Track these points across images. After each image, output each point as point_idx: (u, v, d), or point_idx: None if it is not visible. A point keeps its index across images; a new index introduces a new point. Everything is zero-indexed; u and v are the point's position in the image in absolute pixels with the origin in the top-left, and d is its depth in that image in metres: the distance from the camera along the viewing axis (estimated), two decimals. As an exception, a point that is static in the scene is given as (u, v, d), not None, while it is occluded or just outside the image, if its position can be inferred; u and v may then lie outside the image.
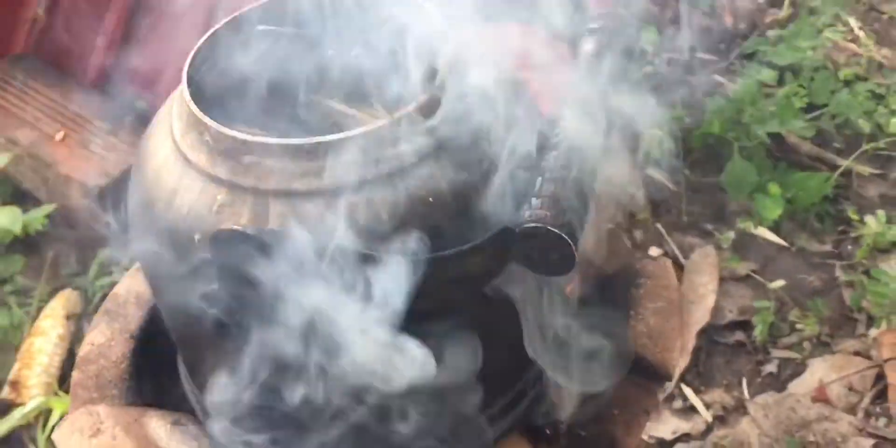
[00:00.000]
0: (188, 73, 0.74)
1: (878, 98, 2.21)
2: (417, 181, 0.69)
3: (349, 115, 0.77)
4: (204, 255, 0.69)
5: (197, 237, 0.70)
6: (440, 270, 0.66)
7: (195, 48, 0.77)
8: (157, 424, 0.86)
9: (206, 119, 0.70)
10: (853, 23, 2.52)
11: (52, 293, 1.74)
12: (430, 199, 0.69)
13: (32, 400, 1.46)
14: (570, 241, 0.66)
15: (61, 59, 1.98)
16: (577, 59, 0.81)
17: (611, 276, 1.00)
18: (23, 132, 1.83)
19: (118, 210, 1.78)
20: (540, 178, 0.69)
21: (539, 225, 0.66)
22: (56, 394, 1.50)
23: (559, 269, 0.68)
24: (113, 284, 1.30)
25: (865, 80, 2.23)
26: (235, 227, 0.65)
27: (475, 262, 0.67)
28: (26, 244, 1.82)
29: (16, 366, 1.56)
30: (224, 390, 0.85)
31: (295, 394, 0.78)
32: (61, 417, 1.46)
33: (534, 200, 0.68)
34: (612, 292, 0.97)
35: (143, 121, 1.81)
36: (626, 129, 0.80)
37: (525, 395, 0.88)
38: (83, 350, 0.98)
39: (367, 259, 0.66)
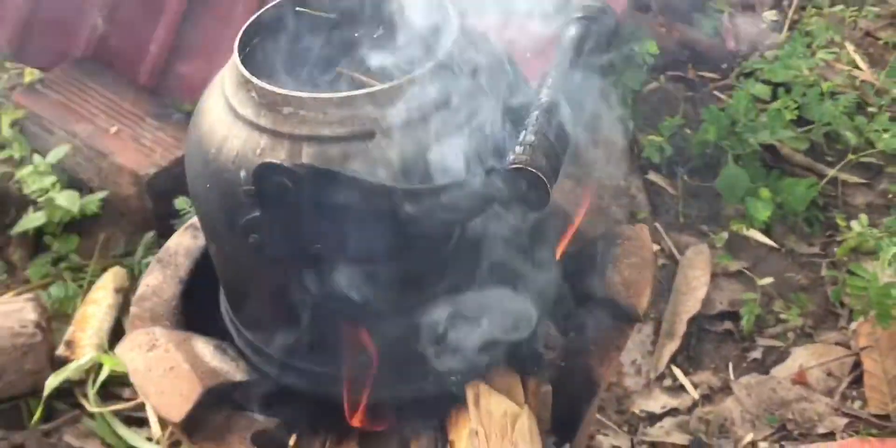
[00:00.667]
0: (238, 45, 0.90)
1: (870, 116, 2.34)
2: (421, 132, 0.84)
3: (367, 82, 0.91)
4: (248, 188, 0.83)
5: (242, 174, 0.85)
6: (442, 200, 0.81)
7: (245, 25, 0.92)
8: (203, 345, 1.00)
9: (254, 78, 0.85)
10: (849, 47, 2.66)
11: (103, 270, 1.89)
12: (432, 146, 0.83)
13: (85, 356, 1.61)
14: (545, 179, 0.80)
15: (117, 63, 2.12)
16: (562, 42, 0.95)
17: (595, 237, 1.14)
18: (81, 126, 1.98)
19: (164, 197, 1.93)
20: (524, 131, 0.83)
21: (521, 165, 0.80)
22: (106, 352, 1.65)
23: (536, 204, 0.82)
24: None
25: (856, 98, 2.36)
26: (274, 160, 0.80)
27: (469, 194, 0.81)
28: (81, 226, 1.96)
29: (70, 329, 1.71)
30: (260, 314, 1.00)
31: (318, 316, 0.92)
32: (111, 373, 1.62)
33: (517, 148, 0.82)
34: (595, 250, 1.11)
35: (187, 119, 1.99)
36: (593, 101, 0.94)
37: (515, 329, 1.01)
38: (139, 290, 1.12)
39: (378, 189, 0.80)
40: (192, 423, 0.93)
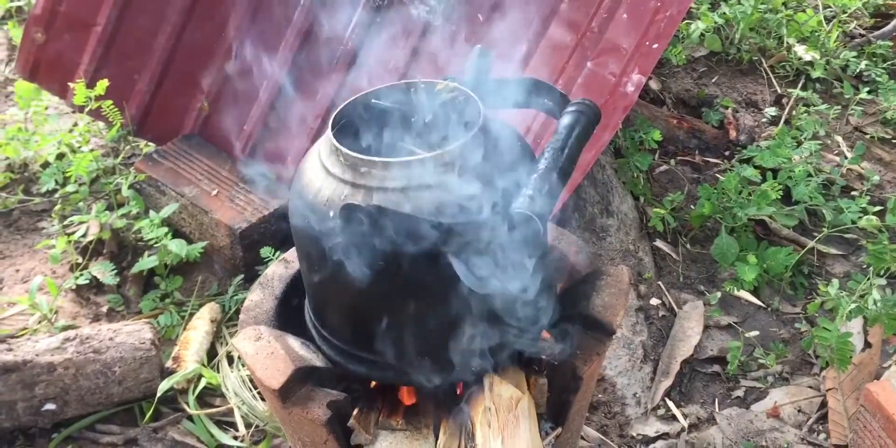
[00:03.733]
0: (332, 124, 1.25)
1: (852, 198, 2.62)
2: (456, 186, 1.17)
3: (417, 151, 1.25)
4: (335, 223, 1.16)
5: (331, 213, 1.18)
6: (465, 231, 1.13)
7: (335, 112, 1.28)
8: (293, 340, 1.32)
9: (342, 148, 1.19)
10: (839, 140, 2.96)
11: (200, 306, 2.21)
12: (461, 194, 1.17)
13: (189, 367, 1.93)
14: (537, 220, 1.13)
15: (218, 138, 2.48)
16: (558, 127, 1.29)
17: (586, 274, 1.45)
18: (188, 188, 2.32)
19: (252, 248, 2.26)
20: (525, 188, 1.16)
21: (522, 211, 1.13)
22: (204, 366, 1.97)
23: (532, 237, 1.14)
24: (243, 300, 1.70)
25: (840, 184, 2.64)
26: (353, 202, 1.13)
27: (485, 228, 1.13)
28: (184, 270, 2.30)
29: (176, 348, 2.03)
30: (335, 317, 1.32)
31: (377, 319, 1.24)
32: (207, 384, 1.94)
33: (520, 199, 1.14)
34: (585, 282, 1.42)
35: (272, 184, 2.34)
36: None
37: (523, 336, 1.32)
38: (245, 304, 1.45)
39: (421, 223, 1.13)
40: (286, 391, 1.24)
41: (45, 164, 2.69)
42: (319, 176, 1.23)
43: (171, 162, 2.43)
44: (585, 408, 1.54)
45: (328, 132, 1.24)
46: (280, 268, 1.53)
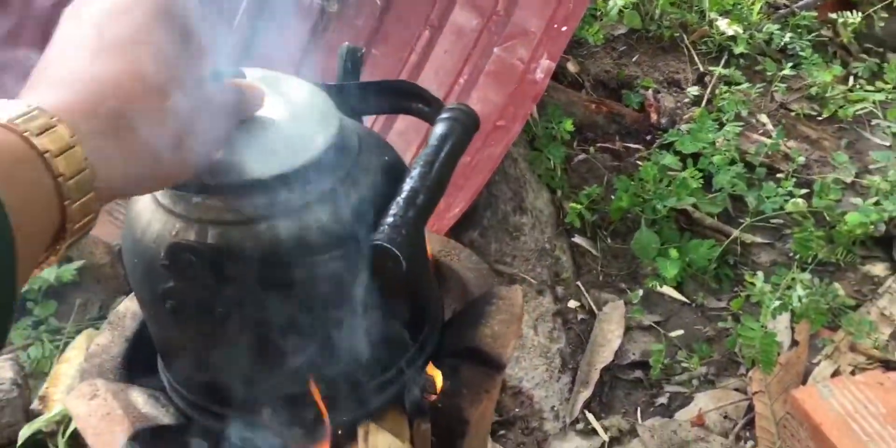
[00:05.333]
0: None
1: (777, 181, 2.52)
2: (306, 214, 1.01)
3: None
4: (164, 263, 1.00)
5: (161, 253, 1.02)
6: (322, 267, 0.98)
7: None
8: (137, 394, 1.16)
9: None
10: (764, 118, 2.86)
11: (78, 332, 2.05)
12: (314, 225, 1.01)
13: (55, 409, 1.76)
14: (398, 253, 0.98)
15: None
16: (430, 139, 1.14)
17: (477, 298, 1.31)
18: None
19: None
20: (386, 214, 1.01)
21: (380, 242, 0.97)
22: (74, 405, 1.79)
23: (392, 273, 0.99)
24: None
25: (765, 166, 2.54)
26: (183, 240, 0.97)
27: (342, 263, 0.98)
28: (59, 292, 2.11)
29: (44, 385, 1.86)
30: (181, 367, 1.16)
31: (226, 369, 1.08)
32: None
33: (380, 227, 0.99)
34: (474, 308, 1.28)
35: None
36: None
37: (402, 375, 1.17)
38: (91, 349, 1.28)
39: (268, 262, 0.97)
40: (123, 460, 1.08)
41: None
42: (149, 207, 1.06)
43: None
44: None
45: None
46: (134, 303, 1.36)
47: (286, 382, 1.10)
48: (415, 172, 1.09)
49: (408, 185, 1.05)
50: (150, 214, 1.05)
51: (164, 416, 1.14)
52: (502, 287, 1.31)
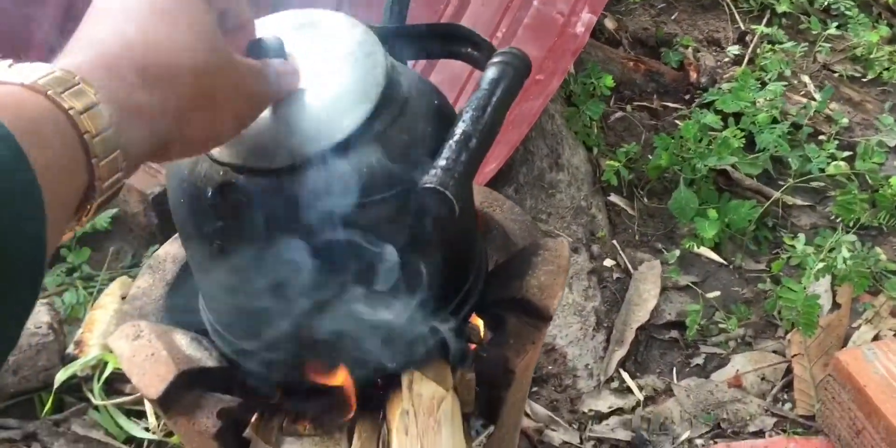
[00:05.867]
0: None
1: (819, 143, 2.48)
2: (354, 158, 0.99)
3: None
4: (213, 202, 0.99)
5: (208, 193, 1.00)
6: (370, 211, 0.96)
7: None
8: (180, 336, 1.15)
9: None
10: (806, 79, 2.80)
11: (111, 280, 2.05)
12: (363, 168, 0.99)
13: (91, 354, 1.76)
14: (451, 197, 0.96)
15: None
16: (480, 83, 1.11)
17: (522, 249, 1.29)
18: None
19: (167, 214, 2.09)
20: (438, 158, 0.99)
21: (431, 186, 0.95)
22: (110, 352, 1.80)
23: (444, 218, 0.97)
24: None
25: (808, 127, 2.49)
26: (233, 180, 0.95)
27: (391, 208, 0.96)
28: (93, 240, 2.11)
29: (80, 330, 1.86)
30: (225, 310, 1.15)
31: (270, 312, 1.07)
32: (114, 370, 1.77)
33: (431, 171, 0.97)
34: (520, 259, 1.26)
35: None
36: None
37: (446, 323, 1.16)
38: (132, 292, 1.27)
39: (316, 205, 0.96)
40: (167, 401, 1.08)
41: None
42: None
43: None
44: (522, 402, 1.40)
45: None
46: (174, 247, 1.35)
47: (330, 327, 1.09)
48: (466, 116, 1.06)
49: (459, 128, 1.03)
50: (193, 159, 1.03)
51: (207, 359, 1.13)
52: (548, 239, 1.29)
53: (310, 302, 1.04)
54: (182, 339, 1.16)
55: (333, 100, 1.02)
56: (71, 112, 0.57)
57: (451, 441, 1.07)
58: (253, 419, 1.13)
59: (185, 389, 1.10)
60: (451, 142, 1.01)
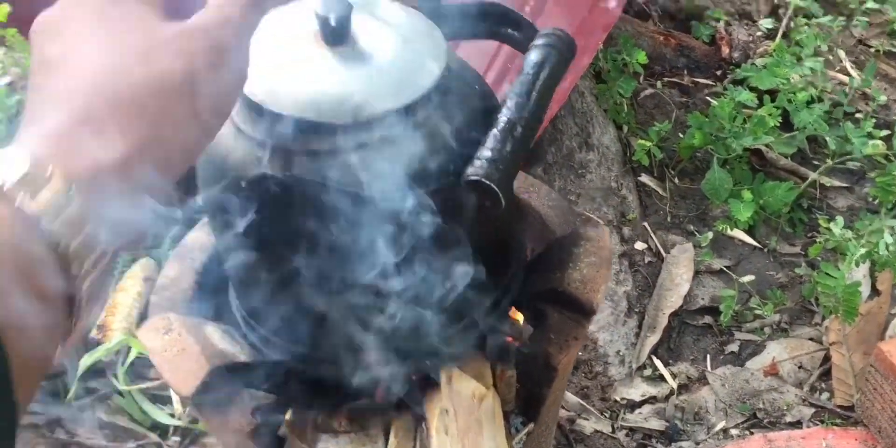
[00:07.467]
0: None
1: (855, 121, 2.41)
2: (398, 148, 0.95)
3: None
4: (247, 192, 0.95)
5: (243, 183, 0.97)
6: (410, 202, 0.92)
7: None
8: (212, 330, 1.12)
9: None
10: (841, 54, 2.73)
11: (133, 261, 2.02)
12: (406, 161, 0.95)
13: (114, 339, 1.74)
14: (497, 189, 0.92)
15: None
16: (524, 67, 1.06)
17: (561, 238, 1.25)
18: None
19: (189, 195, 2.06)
20: (482, 148, 0.95)
21: (477, 178, 0.91)
22: (133, 336, 1.77)
23: (491, 211, 0.93)
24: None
25: (843, 105, 2.43)
26: (266, 171, 0.91)
27: (433, 198, 0.92)
28: (113, 221, 2.09)
29: (102, 314, 1.84)
30: (258, 303, 1.12)
31: (307, 306, 1.04)
32: (138, 354, 1.75)
33: (476, 161, 0.93)
34: (560, 249, 1.22)
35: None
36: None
37: (486, 318, 1.13)
38: (159, 281, 1.24)
39: (353, 195, 0.92)
40: (200, 399, 1.05)
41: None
42: (230, 135, 1.00)
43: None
44: (561, 398, 1.37)
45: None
46: (202, 234, 1.31)
47: (366, 321, 1.05)
48: (511, 103, 1.02)
49: (504, 116, 0.99)
50: (231, 141, 1.00)
51: (239, 353, 1.10)
52: (588, 227, 1.25)
53: (343, 294, 1.01)
54: (214, 333, 1.13)
55: (404, 64, 0.97)
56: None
57: (493, 441, 1.04)
58: (287, 416, 1.10)
59: (219, 386, 1.07)
60: (495, 130, 0.96)
